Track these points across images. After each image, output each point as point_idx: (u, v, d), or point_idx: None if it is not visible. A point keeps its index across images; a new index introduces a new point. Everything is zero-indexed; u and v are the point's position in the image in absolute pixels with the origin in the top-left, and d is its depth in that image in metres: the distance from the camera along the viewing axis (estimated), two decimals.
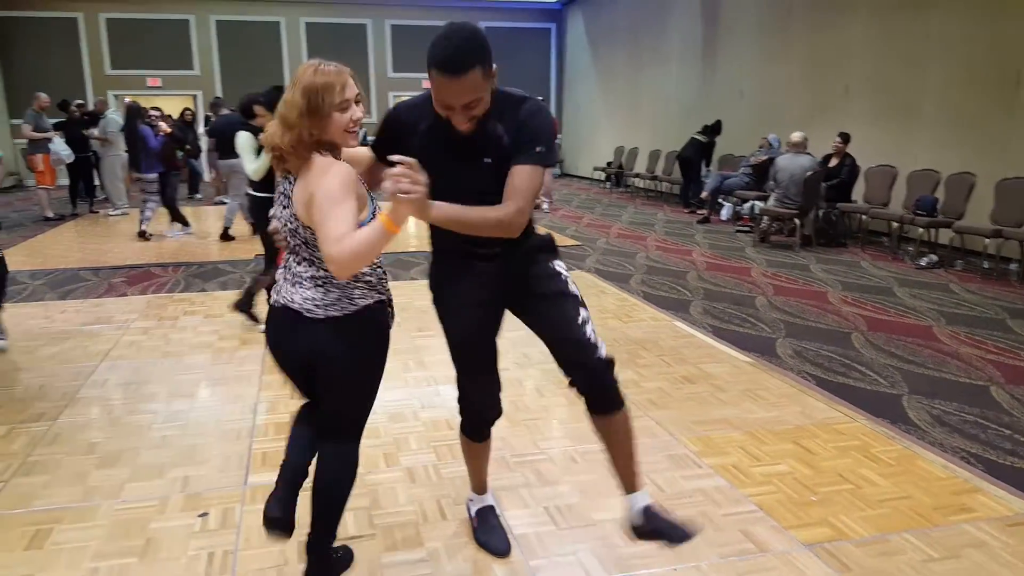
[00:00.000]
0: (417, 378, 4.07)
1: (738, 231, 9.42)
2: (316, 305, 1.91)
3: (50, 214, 10.33)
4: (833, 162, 8.61)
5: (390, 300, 2.09)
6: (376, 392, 2.15)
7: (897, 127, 8.59)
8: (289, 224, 1.94)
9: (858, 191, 8.75)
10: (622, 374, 4.00)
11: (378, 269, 2.02)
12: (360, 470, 2.92)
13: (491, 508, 2.58)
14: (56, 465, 3.07)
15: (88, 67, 15.72)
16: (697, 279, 6.58)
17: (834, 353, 4.53)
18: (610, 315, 5.32)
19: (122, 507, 2.73)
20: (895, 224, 8.05)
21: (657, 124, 14.02)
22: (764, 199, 9.01)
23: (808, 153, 8.21)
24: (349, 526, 2.58)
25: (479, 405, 2.38)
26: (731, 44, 11.71)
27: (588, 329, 2.03)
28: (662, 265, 7.22)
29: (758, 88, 11.10)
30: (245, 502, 2.76)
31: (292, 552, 2.43)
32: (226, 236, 8.31)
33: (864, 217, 8.53)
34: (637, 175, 13.93)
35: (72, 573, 2.35)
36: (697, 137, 11.21)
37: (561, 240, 8.55)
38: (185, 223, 8.81)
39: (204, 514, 2.69)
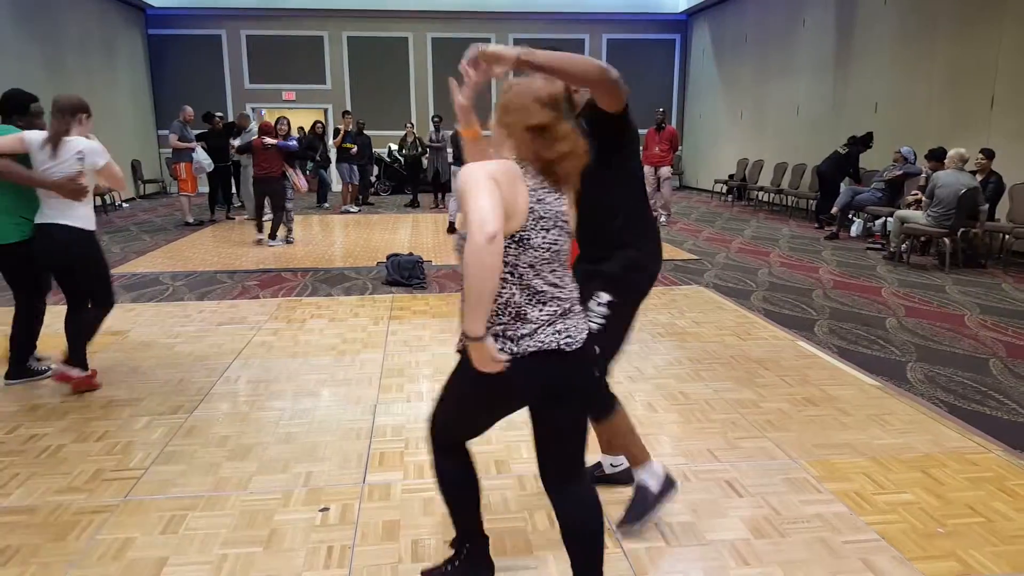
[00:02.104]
0: None
1: (869, 248, 8.87)
2: None
3: (191, 219, 11.13)
4: (977, 179, 7.97)
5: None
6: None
7: None
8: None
9: (1001, 209, 8.06)
10: (739, 392, 3.89)
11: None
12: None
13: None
14: (191, 456, 3.29)
15: (229, 81, 16.94)
16: (823, 297, 6.25)
17: (969, 380, 4.17)
18: (728, 332, 5.14)
19: (249, 498, 2.89)
20: None
21: (784, 136, 13.48)
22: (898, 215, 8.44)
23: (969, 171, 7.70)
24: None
25: None
26: (865, 55, 11.10)
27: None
28: (786, 282, 6.90)
29: (893, 101, 10.46)
30: (363, 499, 2.85)
31: (406, 550, 2.49)
32: (452, 229, 10.03)
33: (1007, 237, 7.83)
34: (761, 188, 13.44)
35: (203, 557, 2.50)
36: (839, 149, 10.66)
37: (678, 254, 8.36)
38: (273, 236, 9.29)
39: (325, 508, 2.79)
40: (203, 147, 10.99)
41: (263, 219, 9.43)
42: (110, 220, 11.98)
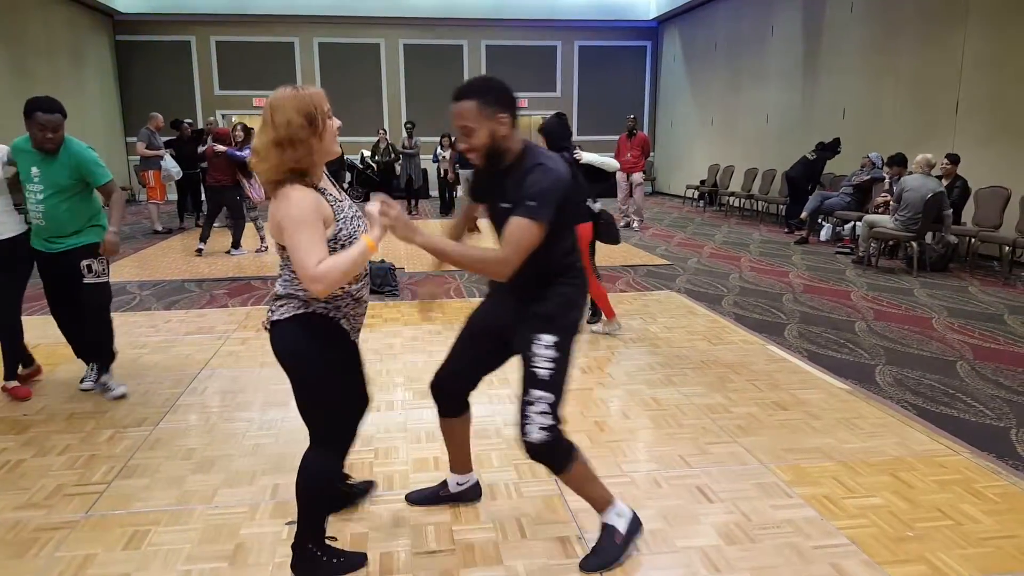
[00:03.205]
0: (501, 395, 4.05)
1: (838, 252, 9.00)
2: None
3: (159, 227, 10.99)
4: (943, 184, 8.13)
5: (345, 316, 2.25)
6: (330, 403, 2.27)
7: (1011, 147, 8.05)
8: None
9: (967, 213, 8.23)
10: (710, 397, 3.91)
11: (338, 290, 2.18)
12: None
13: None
14: (155, 469, 3.22)
15: (199, 88, 16.73)
16: (793, 301, 6.32)
17: (937, 382, 4.24)
18: (699, 337, 5.17)
19: (214, 512, 2.83)
20: (1007, 248, 7.50)
21: (754, 142, 13.64)
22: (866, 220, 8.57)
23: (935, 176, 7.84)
24: (429, 540, 2.59)
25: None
26: (833, 62, 11.28)
27: (532, 411, 2.26)
28: (756, 286, 6.97)
29: (861, 106, 10.63)
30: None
31: (374, 563, 2.46)
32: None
33: (973, 240, 7.99)
34: (732, 194, 13.58)
35: (166, 574, 2.44)
36: (808, 155, 10.80)
37: (650, 259, 8.40)
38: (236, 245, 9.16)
39: (291, 522, 2.74)
40: (171, 154, 10.83)
41: (211, 228, 9.23)
42: None
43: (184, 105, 15.99)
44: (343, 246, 2.09)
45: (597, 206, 5.01)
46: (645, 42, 18.09)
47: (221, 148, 8.67)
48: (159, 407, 3.93)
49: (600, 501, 2.46)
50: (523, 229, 2.09)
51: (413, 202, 13.59)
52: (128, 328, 5.53)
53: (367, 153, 15.56)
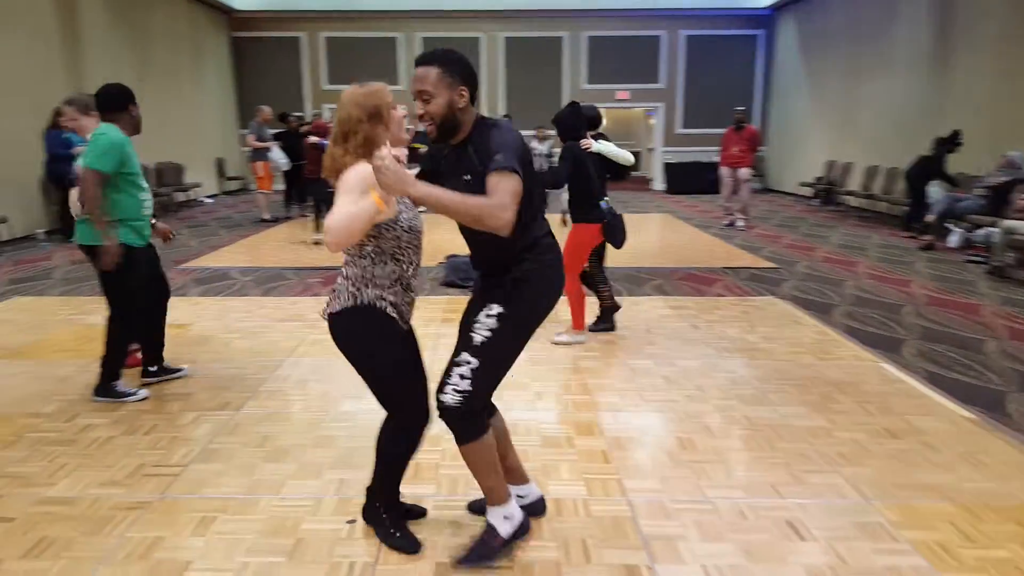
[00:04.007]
0: (577, 402, 3.87)
1: (969, 261, 8.20)
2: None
3: (267, 216, 11.42)
4: None
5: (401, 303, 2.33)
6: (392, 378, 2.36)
7: None
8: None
9: None
10: (811, 419, 3.57)
11: (391, 275, 2.28)
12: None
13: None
14: (230, 455, 3.24)
15: (307, 82, 17.30)
16: (914, 315, 5.76)
17: None
18: (803, 350, 4.77)
19: (280, 504, 2.81)
20: None
21: (876, 138, 12.71)
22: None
23: None
24: None
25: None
26: (967, 49, 10.30)
27: (455, 372, 2.26)
28: (873, 296, 6.42)
29: (999, 99, 9.65)
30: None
31: (428, 572, 2.35)
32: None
33: None
34: (850, 193, 12.72)
35: (226, 564, 2.43)
36: (927, 152, 9.95)
37: (755, 261, 7.94)
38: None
39: (352, 520, 2.68)
40: (279, 146, 11.22)
41: (321, 219, 9.48)
42: (192, 215, 12.41)
43: (293, 99, 16.56)
44: (405, 229, 2.24)
45: (604, 203, 4.74)
46: (757, 31, 17.23)
47: (315, 140, 8.89)
48: (242, 392, 3.99)
49: (493, 494, 2.41)
50: (504, 180, 2.04)
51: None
52: (225, 313, 5.70)
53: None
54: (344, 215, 2.02)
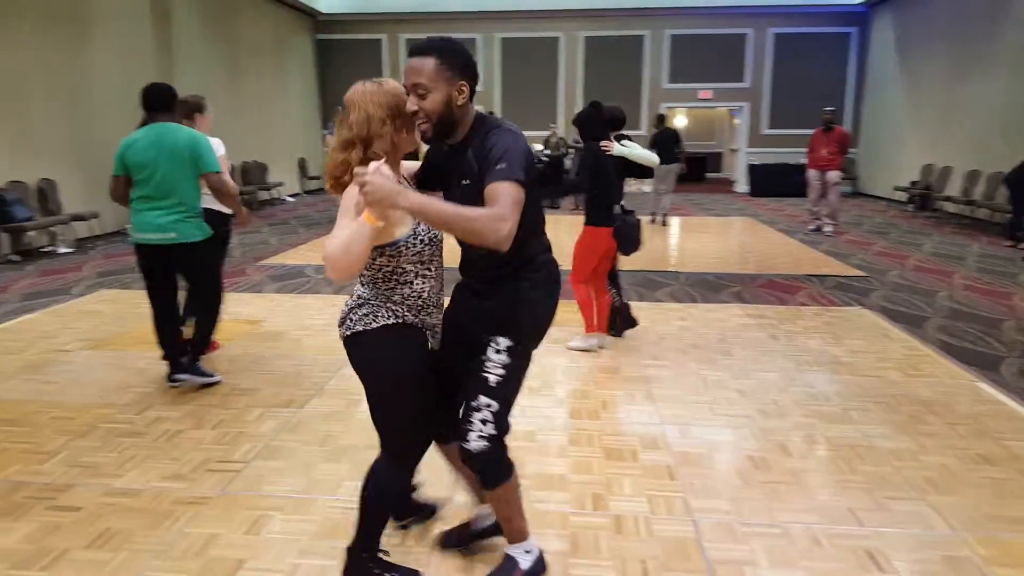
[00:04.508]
0: (642, 412, 3.71)
1: None
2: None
3: None
4: None
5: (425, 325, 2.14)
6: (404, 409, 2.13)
7: None
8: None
9: None
10: (897, 440, 3.31)
11: (421, 294, 2.08)
12: (566, 509, 2.71)
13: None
14: (291, 453, 3.25)
15: None
16: (1015, 330, 5.31)
17: None
18: (891, 365, 4.46)
19: (335, 505, 2.79)
20: None
21: (978, 141, 11.90)
22: None
23: None
24: None
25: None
26: None
27: (476, 417, 2.07)
28: (970, 309, 5.97)
29: None
30: (448, 520, 2.66)
31: None
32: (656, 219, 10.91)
33: None
34: (948, 198, 11.96)
35: (277, 565, 2.41)
36: None
37: (842, 269, 7.53)
38: None
39: (405, 526, 2.63)
40: None
41: None
42: (274, 213, 12.79)
43: None
44: (426, 243, 2.04)
45: (617, 208, 4.56)
46: (850, 28, 16.46)
47: None
48: (307, 390, 4.01)
49: (516, 533, 2.26)
50: (506, 190, 1.83)
51: (576, 198, 13.37)
52: (297, 310, 5.79)
53: (539, 147, 15.57)
54: (340, 240, 1.83)
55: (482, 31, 17.02)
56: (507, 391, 2.09)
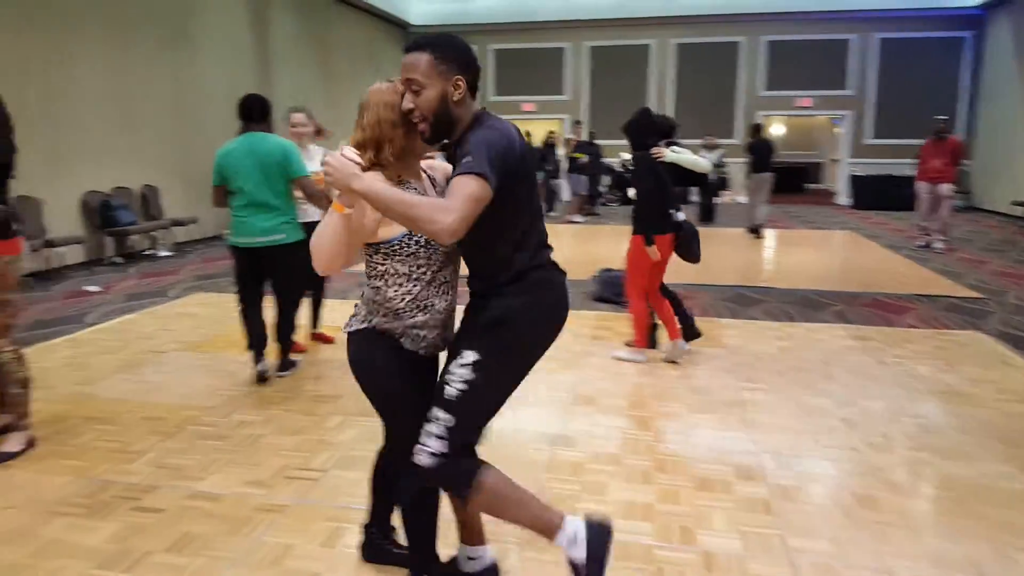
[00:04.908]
0: (736, 439, 3.48)
1: None
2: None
3: None
4: None
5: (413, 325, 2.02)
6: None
7: None
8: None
9: None
10: (1022, 482, 2.97)
11: (406, 296, 1.98)
12: (650, 541, 2.54)
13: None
14: (369, 463, 3.18)
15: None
16: None
17: None
18: (1014, 397, 4.04)
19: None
20: None
21: None
22: None
23: None
24: None
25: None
26: None
27: (427, 429, 1.95)
28: None
29: None
30: (524, 546, 2.53)
31: None
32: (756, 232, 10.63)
33: None
34: None
35: None
36: None
37: (955, 290, 6.98)
38: None
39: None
40: (444, 157, 11.52)
41: None
42: None
43: None
44: (421, 244, 1.94)
45: (681, 215, 4.43)
46: (964, 32, 15.45)
47: None
48: None
49: (542, 525, 2.01)
50: (463, 181, 1.73)
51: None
52: None
53: (627, 156, 15.33)
54: (318, 236, 1.85)
55: (570, 40, 16.95)
56: (467, 407, 1.94)
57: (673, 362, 4.56)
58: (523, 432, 3.55)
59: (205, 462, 3.22)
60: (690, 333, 4.65)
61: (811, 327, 5.52)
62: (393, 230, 1.91)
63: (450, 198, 1.72)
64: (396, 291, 1.98)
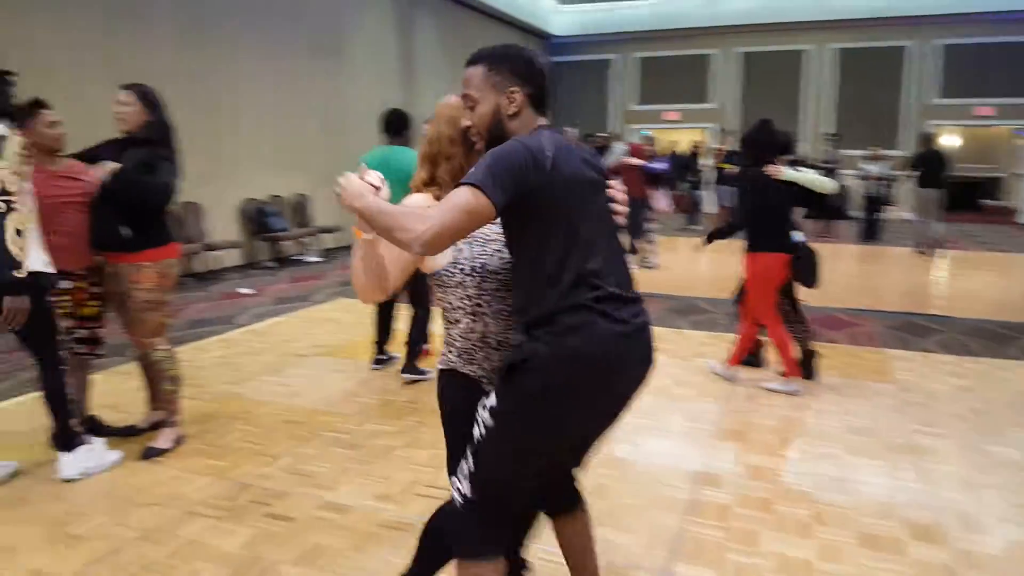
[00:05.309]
0: (909, 491, 3.04)
1: None
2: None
3: None
4: None
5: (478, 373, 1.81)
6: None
7: None
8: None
9: None
10: None
11: (470, 335, 1.79)
12: None
13: None
14: None
15: (615, 103, 17.49)
16: None
17: None
18: None
19: (544, 556, 2.51)
20: None
21: None
22: None
23: None
24: None
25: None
26: None
27: (461, 465, 1.76)
28: None
29: None
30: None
31: None
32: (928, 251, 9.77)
33: None
34: None
35: None
36: None
37: None
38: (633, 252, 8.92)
39: None
40: None
41: (638, 238, 9.29)
42: None
43: (599, 120, 16.84)
44: (467, 272, 1.75)
45: (799, 236, 4.17)
46: None
47: (636, 162, 8.81)
48: None
49: None
50: (453, 193, 1.55)
51: (829, 221, 12.20)
52: None
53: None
54: (352, 261, 1.77)
55: (720, 46, 16.36)
56: (484, 458, 1.70)
57: (774, 391, 4.25)
58: (659, 466, 3.30)
59: (337, 471, 3.21)
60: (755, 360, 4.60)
61: (995, 363, 4.85)
62: (438, 260, 1.77)
63: (436, 208, 1.55)
64: (458, 327, 1.81)
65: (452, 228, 1.51)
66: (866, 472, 3.23)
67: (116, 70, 6.60)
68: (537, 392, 1.61)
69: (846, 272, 8.78)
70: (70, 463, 3.05)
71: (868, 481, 3.15)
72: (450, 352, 1.85)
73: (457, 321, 1.80)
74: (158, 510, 2.85)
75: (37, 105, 3.12)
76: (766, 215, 4.15)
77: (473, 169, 1.57)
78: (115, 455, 3.24)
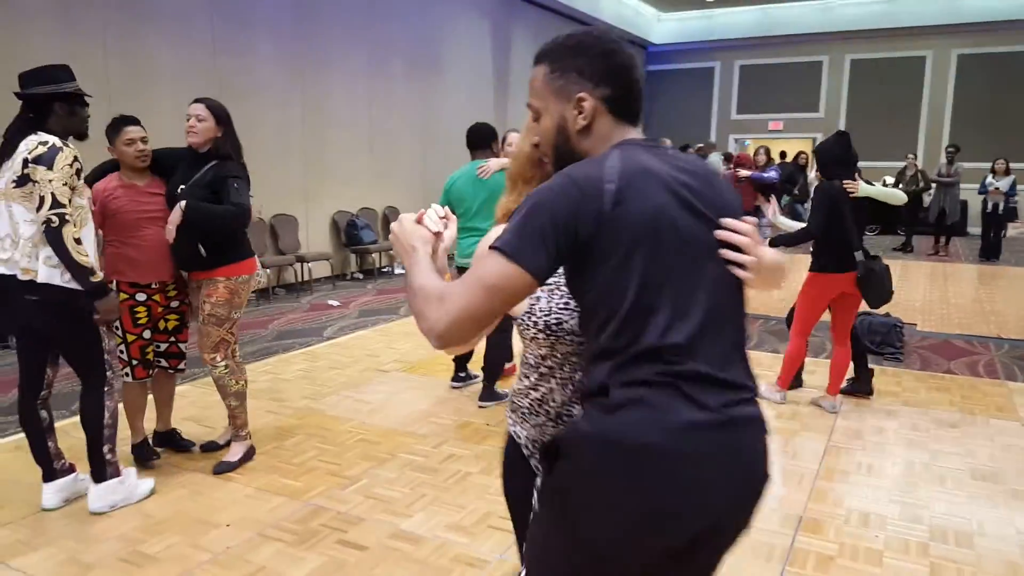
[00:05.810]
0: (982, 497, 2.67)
1: None
2: None
3: None
4: None
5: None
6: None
7: None
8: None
9: None
10: None
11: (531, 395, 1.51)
12: None
13: None
14: None
15: (716, 112, 16.94)
16: None
17: None
18: None
19: None
20: None
21: None
22: None
23: None
24: None
25: None
26: None
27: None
28: None
29: None
30: None
31: None
32: None
33: None
34: None
35: None
36: None
37: None
38: None
39: None
40: None
41: None
42: None
43: (700, 130, 16.37)
44: (540, 328, 1.43)
45: (858, 255, 3.98)
46: None
47: (745, 172, 8.53)
48: None
49: None
50: (479, 264, 1.17)
51: (943, 240, 11.37)
52: None
53: (889, 180, 13.65)
54: None
55: (828, 53, 15.61)
56: (530, 559, 1.35)
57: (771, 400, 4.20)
58: (767, 507, 3.03)
59: (412, 497, 3.11)
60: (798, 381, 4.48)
61: None
62: (520, 306, 1.44)
63: (453, 291, 1.17)
64: (523, 384, 1.52)
65: (474, 313, 1.13)
66: (990, 523, 2.87)
67: (224, 87, 6.88)
68: (565, 484, 1.22)
69: (964, 295, 8.11)
70: (99, 496, 2.94)
71: (992, 534, 2.79)
72: (514, 412, 1.56)
73: (526, 376, 1.52)
74: (230, 532, 2.82)
75: (122, 122, 3.18)
76: (836, 232, 3.96)
77: (505, 227, 1.19)
78: (147, 485, 3.10)
